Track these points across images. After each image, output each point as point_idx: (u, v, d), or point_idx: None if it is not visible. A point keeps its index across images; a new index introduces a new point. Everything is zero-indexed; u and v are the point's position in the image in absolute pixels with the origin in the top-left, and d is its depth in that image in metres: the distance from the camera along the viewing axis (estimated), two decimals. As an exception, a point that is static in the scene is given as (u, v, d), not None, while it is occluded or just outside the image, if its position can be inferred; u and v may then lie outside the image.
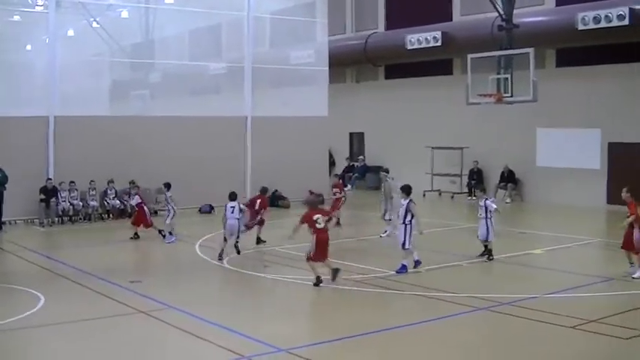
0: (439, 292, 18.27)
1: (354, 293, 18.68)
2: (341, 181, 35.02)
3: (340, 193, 30.53)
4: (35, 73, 33.46)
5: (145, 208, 27.52)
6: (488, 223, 22.29)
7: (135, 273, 20.61)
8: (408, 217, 21.01)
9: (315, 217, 19.34)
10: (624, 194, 20.59)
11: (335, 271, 19.32)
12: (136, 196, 27.34)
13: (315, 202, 20.12)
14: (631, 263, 19.95)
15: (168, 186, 27.04)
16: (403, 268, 20.71)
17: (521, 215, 33.91)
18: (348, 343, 14.50)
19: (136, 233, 26.98)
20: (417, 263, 21.10)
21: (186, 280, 20.47)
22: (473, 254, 22.74)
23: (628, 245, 19.90)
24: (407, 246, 20.93)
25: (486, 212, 22.28)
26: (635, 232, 19.87)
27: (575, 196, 35.13)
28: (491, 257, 22.39)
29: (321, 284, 18.93)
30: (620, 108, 34.74)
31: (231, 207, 23.38)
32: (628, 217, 20.20)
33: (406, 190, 21.43)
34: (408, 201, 21.29)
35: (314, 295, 18.99)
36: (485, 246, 22.57)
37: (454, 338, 14.74)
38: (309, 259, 19.28)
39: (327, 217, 19.73)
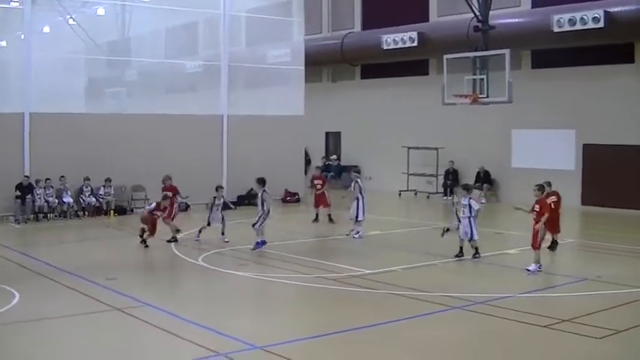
0: (413, 291, 18.33)
1: (329, 292, 18.70)
2: (323, 173, 35.00)
3: (323, 186, 30.68)
4: (10, 70, 33.39)
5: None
6: (472, 222, 22.42)
7: (111, 270, 20.52)
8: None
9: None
10: (534, 192, 20.83)
11: None
12: (153, 204, 25.74)
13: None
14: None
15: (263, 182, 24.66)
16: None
17: (496, 216, 34.05)
18: (322, 340, 14.54)
19: (144, 240, 25.14)
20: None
21: (162, 278, 20.51)
22: (448, 254, 22.83)
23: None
24: (475, 237, 22.46)
25: (470, 211, 22.39)
26: (539, 227, 20.32)
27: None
28: (477, 255, 22.53)
29: None
30: (595, 110, 34.98)
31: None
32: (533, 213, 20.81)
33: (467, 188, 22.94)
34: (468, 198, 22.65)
35: (289, 294, 19.06)
36: (461, 247, 22.69)
37: (427, 337, 14.79)
38: None
39: None
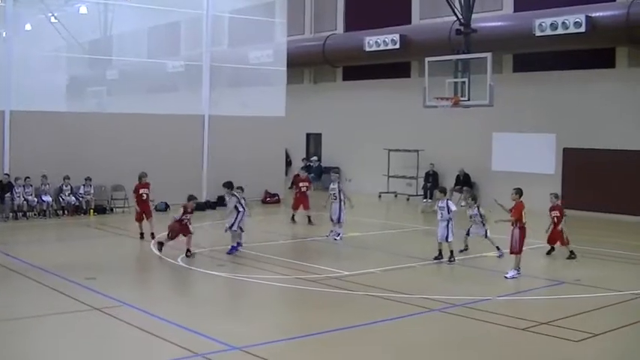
0: (392, 293, 18.36)
1: (307, 293, 18.73)
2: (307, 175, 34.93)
3: (308, 188, 30.70)
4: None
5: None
6: (449, 224, 22.49)
7: (90, 270, 20.46)
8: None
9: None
10: (512, 195, 20.91)
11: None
12: (181, 209, 23.75)
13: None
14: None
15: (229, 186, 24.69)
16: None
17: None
18: (300, 342, 14.56)
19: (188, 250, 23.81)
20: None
21: (141, 278, 20.48)
22: (427, 256, 22.89)
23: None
24: (450, 239, 22.62)
25: (448, 213, 22.46)
26: (515, 232, 20.28)
27: (530, 201, 35.09)
28: (452, 259, 22.56)
29: None
30: (576, 114, 35.08)
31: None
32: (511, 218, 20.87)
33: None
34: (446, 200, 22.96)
35: (268, 295, 19.06)
36: (440, 250, 22.73)
37: (405, 339, 14.83)
38: None
39: None
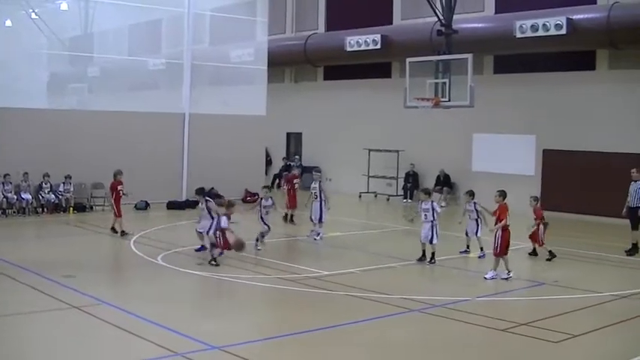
0: (372, 293, 18.37)
1: (287, 293, 18.73)
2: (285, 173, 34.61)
3: (298, 184, 30.55)
4: (-29, 64, 33.08)
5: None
6: (434, 226, 22.51)
7: (69, 268, 20.37)
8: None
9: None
10: (496, 197, 20.93)
11: None
12: (224, 217, 22.57)
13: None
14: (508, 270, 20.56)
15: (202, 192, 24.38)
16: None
17: (456, 219, 34.18)
18: (280, 342, 14.56)
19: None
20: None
21: (121, 277, 20.43)
22: (407, 256, 22.92)
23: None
24: (435, 241, 22.56)
25: (433, 215, 22.47)
26: (498, 234, 20.51)
27: (510, 201, 35.28)
28: (433, 260, 22.57)
29: None
30: (556, 116, 35.20)
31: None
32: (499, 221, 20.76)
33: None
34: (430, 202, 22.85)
35: (247, 294, 19.04)
36: (424, 251, 22.75)
37: (385, 339, 14.84)
38: None
39: None
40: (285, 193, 30.13)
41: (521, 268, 22.40)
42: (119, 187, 27.15)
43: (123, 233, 26.42)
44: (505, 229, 20.52)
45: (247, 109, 38.55)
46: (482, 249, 23.39)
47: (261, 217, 24.66)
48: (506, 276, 20.33)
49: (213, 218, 23.04)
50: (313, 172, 28.29)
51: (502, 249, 20.38)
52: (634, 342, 15.05)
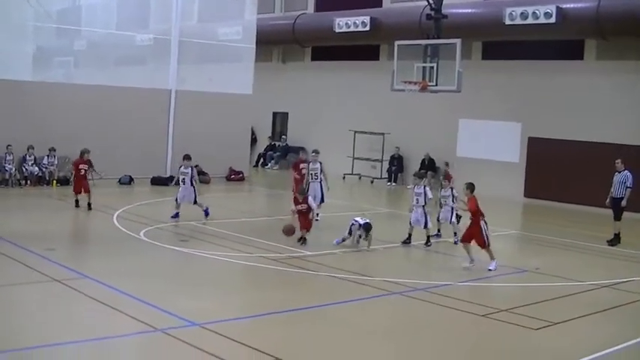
0: (354, 275, 18.40)
1: (269, 272, 18.75)
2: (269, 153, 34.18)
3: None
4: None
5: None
6: (426, 210, 22.52)
7: (50, 241, 20.31)
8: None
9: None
10: (464, 191, 20.77)
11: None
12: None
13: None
14: (471, 259, 20.17)
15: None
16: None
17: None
18: (261, 320, 14.59)
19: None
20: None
21: (103, 251, 20.32)
22: (390, 239, 22.94)
23: (467, 238, 20.09)
24: (429, 225, 22.68)
25: (425, 199, 22.46)
26: (483, 225, 19.99)
27: (494, 188, 35.49)
28: (429, 243, 22.65)
29: None
30: (542, 104, 35.29)
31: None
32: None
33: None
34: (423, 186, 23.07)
35: (230, 272, 19.02)
36: (410, 234, 22.75)
37: (364, 321, 14.88)
38: None
39: None
40: (293, 180, 29.05)
41: (503, 255, 22.41)
42: (80, 166, 27.26)
43: (89, 206, 26.81)
44: (480, 220, 20.18)
45: (234, 88, 38.51)
46: (455, 234, 23.27)
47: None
48: (468, 265, 20.10)
49: (193, 186, 23.56)
50: (312, 153, 27.81)
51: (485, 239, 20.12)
52: (613, 331, 15.10)
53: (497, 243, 23.24)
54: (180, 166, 26.17)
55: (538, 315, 15.44)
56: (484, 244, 19.90)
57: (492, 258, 20.04)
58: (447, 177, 24.99)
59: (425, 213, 22.50)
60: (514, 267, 20.81)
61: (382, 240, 22.91)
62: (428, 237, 22.74)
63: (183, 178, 25.63)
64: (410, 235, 22.79)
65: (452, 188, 23.69)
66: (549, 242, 24.76)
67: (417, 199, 22.59)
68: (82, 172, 27.11)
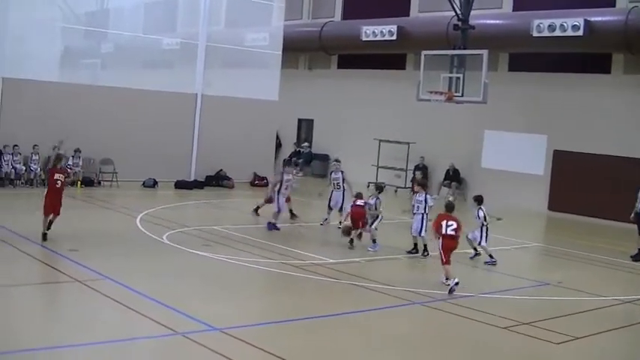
0: (376, 284, 18.35)
1: (291, 278, 18.72)
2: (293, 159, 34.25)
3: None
4: (-14, 33, 33.02)
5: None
6: (424, 218, 22.37)
7: (74, 242, 20.36)
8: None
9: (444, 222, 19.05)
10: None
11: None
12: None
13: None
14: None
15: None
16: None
17: (462, 215, 34.07)
18: (280, 327, 14.58)
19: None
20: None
21: (125, 253, 20.34)
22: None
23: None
24: (424, 234, 22.35)
25: (425, 208, 22.35)
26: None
27: (517, 200, 35.46)
28: (426, 253, 22.42)
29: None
30: (568, 117, 35.13)
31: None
32: None
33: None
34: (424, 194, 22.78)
35: (251, 277, 19.01)
36: (415, 244, 22.60)
37: (385, 330, 14.82)
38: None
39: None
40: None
41: (525, 268, 22.37)
42: (56, 176, 21.54)
43: (45, 236, 20.79)
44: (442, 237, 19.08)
45: (260, 94, 38.56)
46: (475, 249, 22.93)
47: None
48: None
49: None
50: (334, 162, 27.90)
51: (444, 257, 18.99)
52: (636, 347, 15.02)
53: (521, 255, 23.24)
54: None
55: (560, 329, 15.35)
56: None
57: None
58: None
59: (422, 221, 22.23)
60: (536, 280, 20.73)
61: (403, 249, 22.87)
62: (425, 246, 22.38)
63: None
64: (415, 244, 22.61)
65: (427, 194, 22.89)
66: (572, 256, 24.64)
67: (417, 207, 22.40)
68: (59, 184, 21.46)
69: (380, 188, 24.67)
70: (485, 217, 22.37)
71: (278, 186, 25.75)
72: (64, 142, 24.00)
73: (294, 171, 27.30)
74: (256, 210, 28.11)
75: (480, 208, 22.61)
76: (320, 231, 26.24)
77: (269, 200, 26.81)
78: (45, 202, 20.99)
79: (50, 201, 20.97)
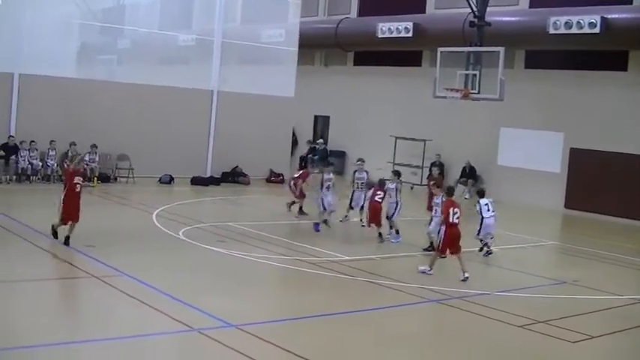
0: (391, 281, 18.35)
1: (306, 275, 18.71)
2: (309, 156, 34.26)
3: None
4: (2, 29, 33.02)
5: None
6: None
7: (90, 237, 20.37)
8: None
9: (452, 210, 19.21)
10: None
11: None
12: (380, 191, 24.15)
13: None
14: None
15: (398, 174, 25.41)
16: None
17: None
18: (295, 323, 14.60)
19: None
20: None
21: (141, 249, 20.39)
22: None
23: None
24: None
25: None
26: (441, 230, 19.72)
27: (534, 197, 35.41)
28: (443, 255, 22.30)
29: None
30: (585, 114, 35.01)
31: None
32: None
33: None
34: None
35: (267, 274, 19.01)
36: (432, 242, 22.38)
37: (400, 327, 14.85)
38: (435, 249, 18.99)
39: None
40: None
41: (541, 266, 22.32)
42: (76, 179, 20.21)
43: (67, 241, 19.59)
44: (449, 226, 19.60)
45: (276, 90, 38.56)
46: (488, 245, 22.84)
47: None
48: (463, 277, 19.24)
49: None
50: (357, 162, 27.68)
51: (444, 247, 19.70)
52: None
53: (537, 253, 23.18)
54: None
55: (576, 328, 15.32)
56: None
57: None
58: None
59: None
60: (552, 278, 20.68)
61: (419, 246, 22.83)
62: (431, 243, 22.03)
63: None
64: (431, 243, 22.35)
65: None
66: (589, 254, 24.57)
67: (436, 210, 21.89)
68: (78, 188, 20.14)
69: (398, 173, 24.99)
70: (480, 210, 22.38)
71: (319, 186, 25.61)
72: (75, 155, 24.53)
73: (328, 169, 27.08)
74: (290, 205, 28.08)
75: (478, 201, 22.67)
76: (338, 227, 26.13)
77: (300, 196, 27.08)
78: (64, 208, 19.79)
79: (69, 208, 19.72)
